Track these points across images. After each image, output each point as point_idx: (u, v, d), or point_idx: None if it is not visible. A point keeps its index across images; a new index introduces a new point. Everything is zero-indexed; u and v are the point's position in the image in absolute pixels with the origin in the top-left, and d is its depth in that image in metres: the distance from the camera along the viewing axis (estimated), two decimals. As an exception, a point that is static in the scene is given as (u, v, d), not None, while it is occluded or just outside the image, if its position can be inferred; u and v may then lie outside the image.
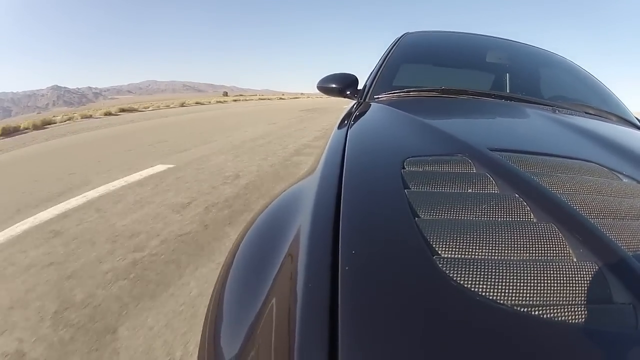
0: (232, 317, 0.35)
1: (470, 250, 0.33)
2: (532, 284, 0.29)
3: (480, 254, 0.33)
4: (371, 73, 1.35)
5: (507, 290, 0.29)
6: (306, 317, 0.27)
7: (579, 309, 0.28)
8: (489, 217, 0.38)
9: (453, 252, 0.33)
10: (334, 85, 1.32)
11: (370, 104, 0.98)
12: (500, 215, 0.38)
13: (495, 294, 0.29)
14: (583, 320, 0.27)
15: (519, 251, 0.33)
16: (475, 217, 0.38)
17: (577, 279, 0.30)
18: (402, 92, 1.09)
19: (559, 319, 0.27)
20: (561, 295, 0.29)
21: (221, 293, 0.39)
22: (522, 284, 0.29)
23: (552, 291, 0.29)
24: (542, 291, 0.29)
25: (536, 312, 0.28)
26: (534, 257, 0.33)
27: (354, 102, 1.20)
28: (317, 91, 1.41)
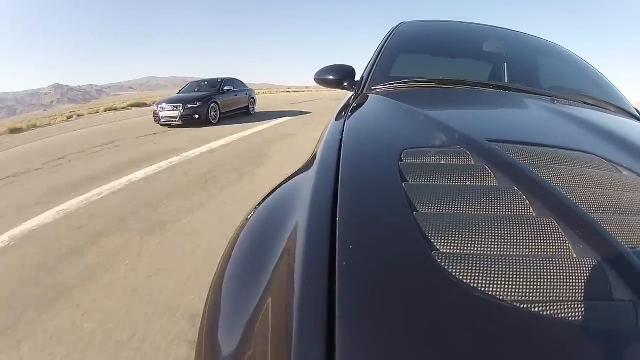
0: (229, 312, 0.36)
1: (469, 245, 0.33)
2: (531, 280, 0.29)
3: (479, 248, 0.33)
4: (368, 64, 1.34)
5: (506, 286, 0.29)
6: (304, 313, 0.27)
7: (579, 305, 0.28)
8: (488, 211, 0.38)
9: (452, 247, 0.33)
10: (331, 77, 1.32)
11: (368, 96, 0.98)
12: (500, 209, 0.38)
13: (494, 289, 0.29)
14: (582, 317, 0.27)
15: (518, 246, 0.33)
16: (474, 211, 0.38)
17: (577, 275, 0.30)
18: (400, 83, 1.09)
19: (558, 315, 0.27)
20: (560, 291, 0.29)
21: (219, 288, 0.40)
22: (521, 280, 0.29)
23: (551, 287, 0.29)
24: (541, 287, 0.29)
25: (535, 309, 0.28)
26: (533, 253, 0.33)
27: (352, 94, 1.20)
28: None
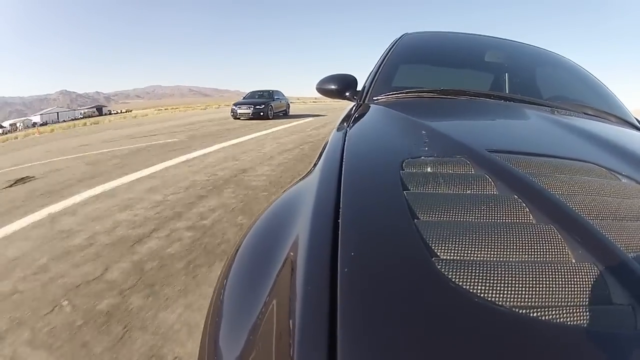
0: (232, 318, 0.34)
1: (469, 252, 0.32)
2: (531, 286, 0.28)
3: (479, 255, 0.31)
4: (370, 74, 1.25)
5: (506, 292, 0.28)
6: (306, 319, 0.26)
7: (578, 310, 0.27)
8: (488, 219, 0.36)
9: (452, 254, 0.31)
10: (333, 87, 1.23)
11: (370, 106, 0.93)
12: (500, 216, 0.36)
13: (494, 295, 0.27)
14: (582, 321, 0.26)
15: (518, 253, 0.32)
16: (474, 218, 0.36)
17: (576, 280, 0.29)
18: (401, 93, 1.03)
19: (558, 320, 0.26)
20: (560, 296, 0.28)
21: (222, 294, 0.38)
22: (521, 286, 0.28)
23: (551, 293, 0.28)
24: (541, 293, 0.28)
25: (535, 314, 0.26)
26: (533, 259, 0.31)
27: (353, 104, 1.12)
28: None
